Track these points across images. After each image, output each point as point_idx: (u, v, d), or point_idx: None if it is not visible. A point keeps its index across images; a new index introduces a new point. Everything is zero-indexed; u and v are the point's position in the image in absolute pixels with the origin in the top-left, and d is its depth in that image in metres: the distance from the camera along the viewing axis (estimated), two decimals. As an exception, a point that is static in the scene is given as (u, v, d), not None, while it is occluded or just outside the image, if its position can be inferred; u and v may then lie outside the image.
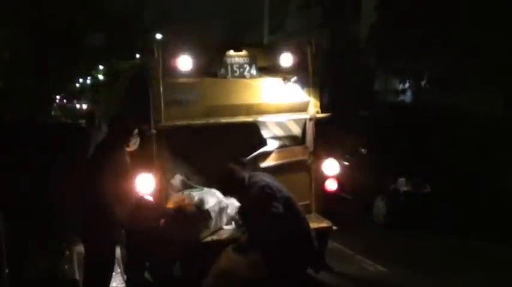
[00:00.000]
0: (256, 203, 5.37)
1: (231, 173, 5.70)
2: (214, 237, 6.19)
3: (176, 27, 32.71)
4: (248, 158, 6.84)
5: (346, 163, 10.55)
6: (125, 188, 5.55)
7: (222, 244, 6.05)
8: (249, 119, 6.59)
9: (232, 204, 6.37)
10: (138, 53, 30.78)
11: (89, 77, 43.18)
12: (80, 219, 5.58)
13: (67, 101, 50.93)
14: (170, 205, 6.17)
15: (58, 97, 47.86)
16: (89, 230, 5.56)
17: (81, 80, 46.92)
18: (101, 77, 38.82)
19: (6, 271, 5.55)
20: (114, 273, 7.46)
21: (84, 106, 42.33)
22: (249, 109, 6.61)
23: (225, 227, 6.46)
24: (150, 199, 6.04)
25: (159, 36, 32.61)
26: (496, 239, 8.93)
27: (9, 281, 5.63)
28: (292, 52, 6.76)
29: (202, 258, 6.07)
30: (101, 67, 38.27)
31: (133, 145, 5.87)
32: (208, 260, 6.15)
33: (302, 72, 6.81)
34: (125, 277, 7.16)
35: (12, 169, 7.06)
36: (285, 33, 29.02)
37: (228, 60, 6.58)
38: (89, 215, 5.46)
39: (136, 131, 5.82)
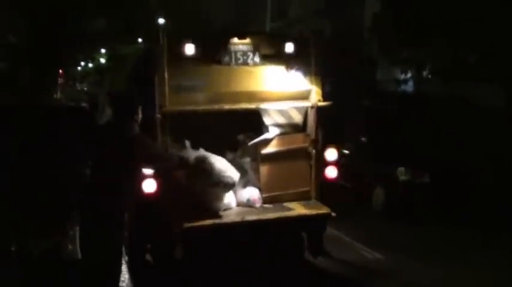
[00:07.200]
0: None
1: None
2: (216, 221, 6.29)
3: (179, 13, 32.61)
4: (249, 144, 6.94)
5: (347, 151, 10.65)
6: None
7: (226, 227, 6.22)
8: (252, 106, 6.66)
9: None
10: (140, 38, 30.78)
11: (91, 61, 43.19)
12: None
13: (69, 84, 50.85)
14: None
15: (61, 80, 47.79)
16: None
17: (83, 63, 46.94)
18: (103, 60, 38.86)
19: (13, 249, 5.63)
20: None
21: (86, 89, 42.40)
22: (252, 96, 6.67)
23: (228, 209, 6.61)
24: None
25: (161, 21, 32.47)
26: (493, 229, 9.03)
27: (15, 260, 5.72)
28: (295, 40, 6.82)
29: (205, 241, 6.21)
30: (103, 51, 38.28)
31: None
32: (211, 244, 6.29)
33: (304, 61, 6.87)
34: (126, 258, 7.26)
35: (21, 151, 7.13)
36: (288, 20, 28.99)
37: (232, 48, 6.63)
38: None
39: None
